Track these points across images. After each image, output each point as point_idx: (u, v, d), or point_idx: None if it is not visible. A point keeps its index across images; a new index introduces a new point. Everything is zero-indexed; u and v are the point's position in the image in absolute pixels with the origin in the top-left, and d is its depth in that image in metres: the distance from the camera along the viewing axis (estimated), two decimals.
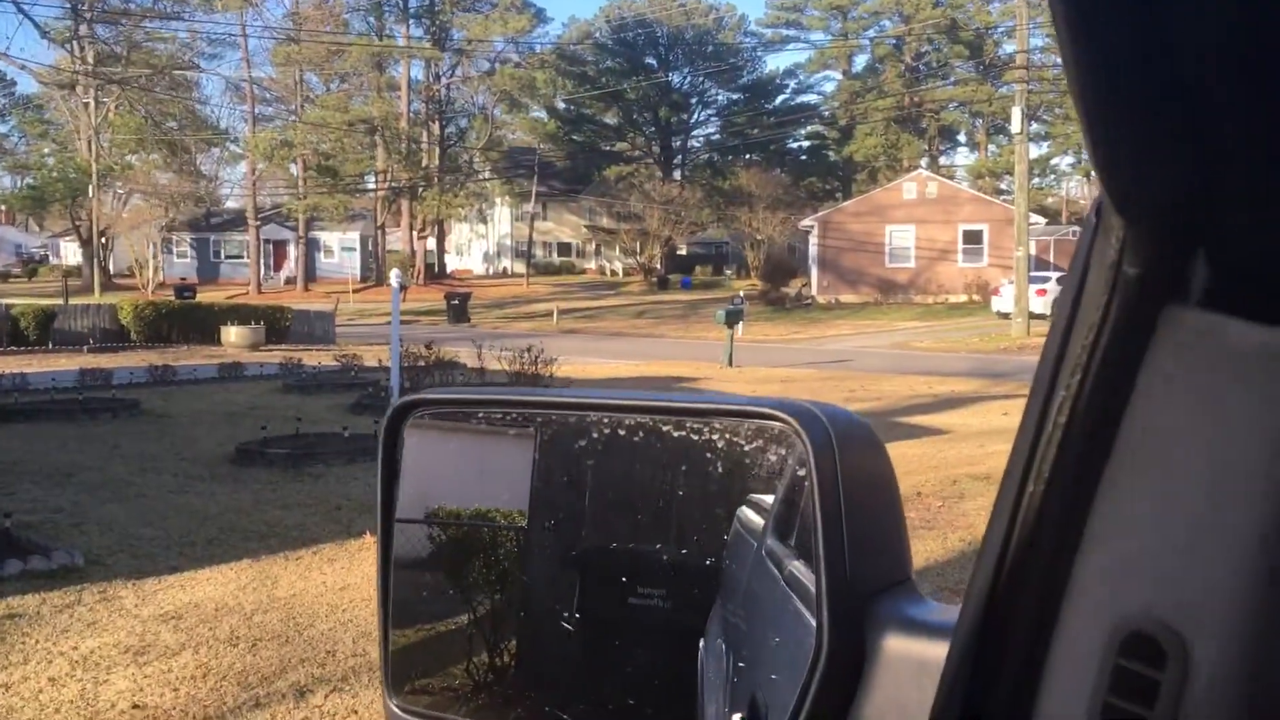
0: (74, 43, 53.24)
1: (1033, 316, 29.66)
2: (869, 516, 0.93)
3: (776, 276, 48.27)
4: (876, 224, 41.53)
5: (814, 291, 42.63)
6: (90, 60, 58.48)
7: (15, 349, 21.95)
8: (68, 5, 38.07)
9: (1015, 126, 27.97)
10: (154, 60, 61.49)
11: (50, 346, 22.39)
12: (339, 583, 6.47)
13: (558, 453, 1.33)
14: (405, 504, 1.31)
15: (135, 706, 4.59)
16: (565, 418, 1.29)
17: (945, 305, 38.79)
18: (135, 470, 9.86)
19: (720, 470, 1.20)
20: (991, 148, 72.07)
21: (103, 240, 64.91)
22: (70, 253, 73.91)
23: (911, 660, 0.81)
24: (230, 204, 75.16)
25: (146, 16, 60.98)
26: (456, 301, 38.27)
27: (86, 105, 59.21)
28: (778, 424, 1.02)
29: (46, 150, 73.99)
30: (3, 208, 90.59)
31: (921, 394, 16.79)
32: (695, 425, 1.18)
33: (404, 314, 42.72)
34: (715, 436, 1.18)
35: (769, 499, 1.19)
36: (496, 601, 1.34)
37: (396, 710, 1.20)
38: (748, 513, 1.21)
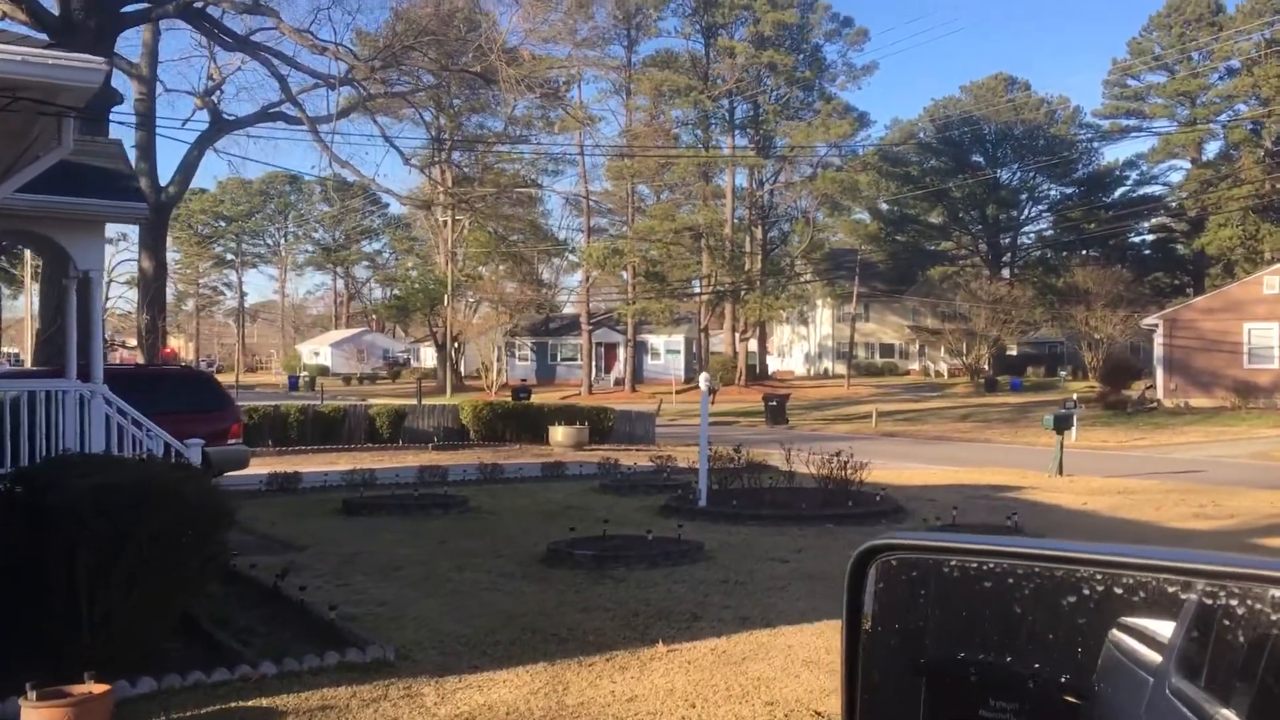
0: (433, 168, 58.86)
1: None
2: None
3: (1116, 378, 45.05)
4: (1232, 321, 37.94)
5: (1159, 395, 39.33)
6: (449, 182, 64.53)
7: (371, 446, 24.10)
8: (430, 136, 42.16)
9: None
10: (501, 180, 66.83)
11: (400, 444, 24.41)
12: (627, 693, 6.45)
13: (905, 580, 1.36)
14: None
15: None
16: (1050, 571, 1.23)
17: None
18: (455, 566, 10.40)
19: (1085, 590, 1.17)
20: None
21: (455, 345, 70.61)
22: (428, 356, 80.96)
23: None
24: (567, 309, 79.87)
25: (499, 141, 66.66)
26: (774, 403, 38.35)
27: (445, 223, 65.10)
28: None
29: (410, 264, 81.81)
30: (374, 316, 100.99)
31: None
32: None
33: (723, 415, 43.29)
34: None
35: (1153, 625, 1.14)
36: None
37: None
38: (1126, 639, 1.16)
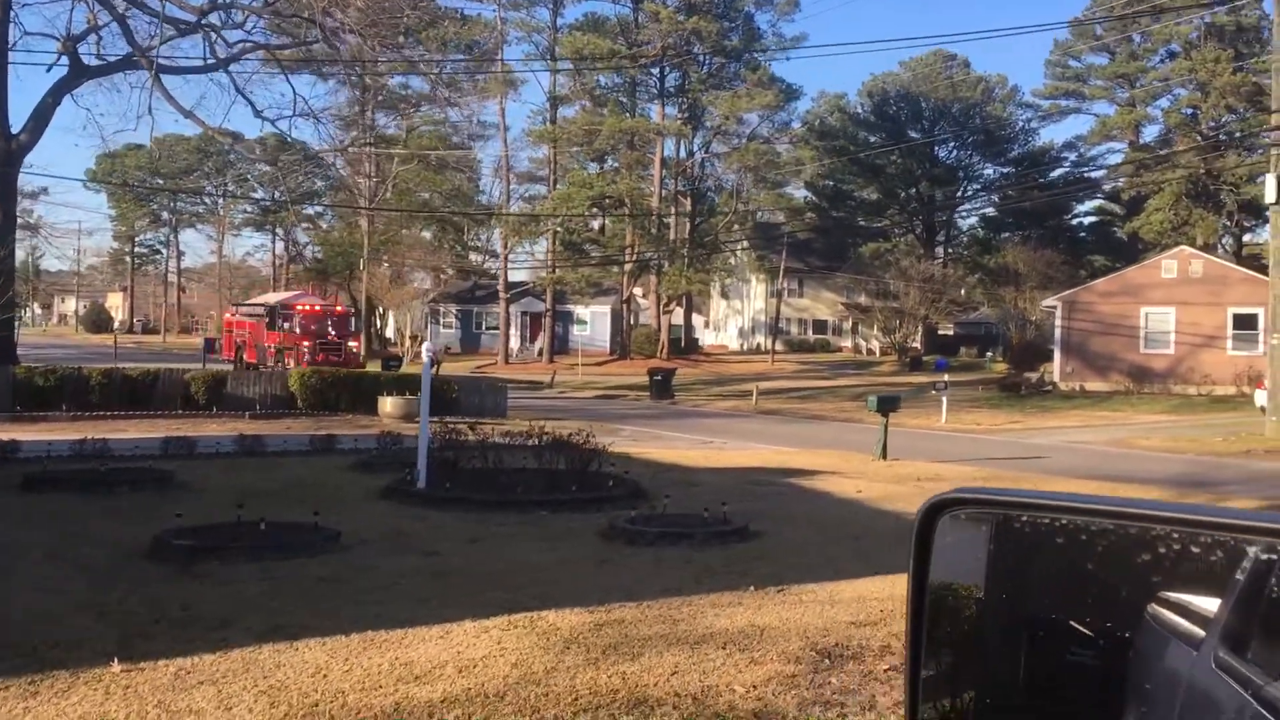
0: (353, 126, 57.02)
1: None
2: None
3: (1025, 360, 44.42)
4: (1130, 305, 37.08)
5: (1056, 377, 38.53)
6: (370, 142, 62.65)
7: (181, 413, 22.64)
8: (294, 91, 40.57)
9: (1270, 195, 23.95)
10: (424, 143, 65.16)
11: (214, 411, 22.97)
12: None
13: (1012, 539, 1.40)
14: None
15: None
16: (1103, 525, 1.31)
17: (1208, 398, 33.89)
18: (48, 555, 9.13)
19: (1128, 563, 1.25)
20: None
21: (380, 311, 68.95)
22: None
23: None
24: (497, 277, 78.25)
25: (423, 102, 64.82)
26: (659, 377, 37.22)
27: (365, 183, 63.35)
28: None
29: (327, 226, 79.89)
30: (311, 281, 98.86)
31: None
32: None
33: (615, 388, 41.95)
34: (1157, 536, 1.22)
35: (1194, 601, 1.23)
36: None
37: None
38: (1164, 613, 1.27)
